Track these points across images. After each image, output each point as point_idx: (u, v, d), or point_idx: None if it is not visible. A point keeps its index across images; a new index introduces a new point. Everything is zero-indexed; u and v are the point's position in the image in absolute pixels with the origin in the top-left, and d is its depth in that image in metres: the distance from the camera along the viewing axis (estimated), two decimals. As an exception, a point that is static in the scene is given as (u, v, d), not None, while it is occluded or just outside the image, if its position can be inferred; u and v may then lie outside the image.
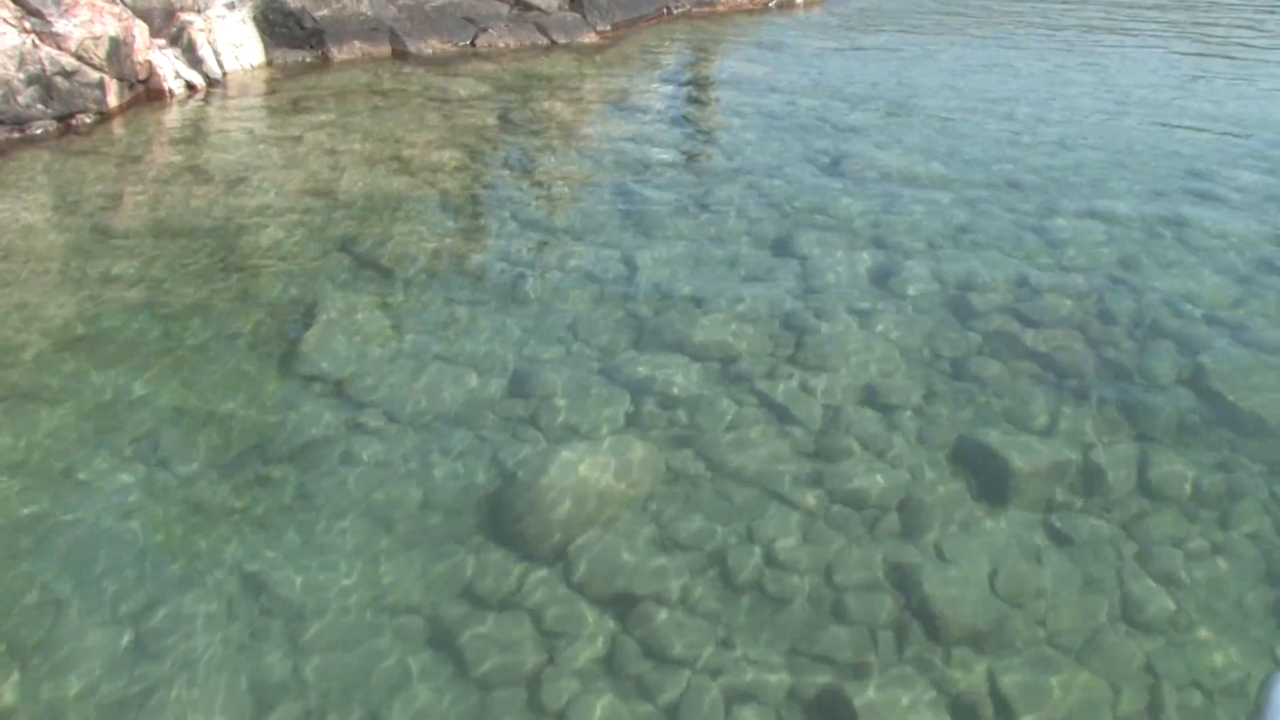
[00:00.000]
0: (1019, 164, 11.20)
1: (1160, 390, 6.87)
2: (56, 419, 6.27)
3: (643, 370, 6.82)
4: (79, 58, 12.51)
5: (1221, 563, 5.40)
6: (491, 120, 12.32)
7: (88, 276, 8.27)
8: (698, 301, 7.80)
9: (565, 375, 6.75)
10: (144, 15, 13.62)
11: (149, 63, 13.41)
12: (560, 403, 6.47)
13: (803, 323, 7.53)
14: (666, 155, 11.11)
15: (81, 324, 7.46)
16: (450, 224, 9.28)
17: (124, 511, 5.53)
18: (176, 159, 11.16)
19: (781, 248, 8.82)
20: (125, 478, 5.80)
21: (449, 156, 10.98)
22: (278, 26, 14.81)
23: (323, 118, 12.42)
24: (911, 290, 8.09)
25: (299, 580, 5.12)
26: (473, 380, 6.69)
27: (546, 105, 12.91)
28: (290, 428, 6.25)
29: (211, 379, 6.75)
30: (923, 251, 8.79)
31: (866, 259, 8.61)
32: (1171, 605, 5.12)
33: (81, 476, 5.79)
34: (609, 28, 17.31)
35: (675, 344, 7.17)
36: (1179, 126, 12.81)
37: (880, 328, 7.52)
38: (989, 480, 5.94)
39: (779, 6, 20.38)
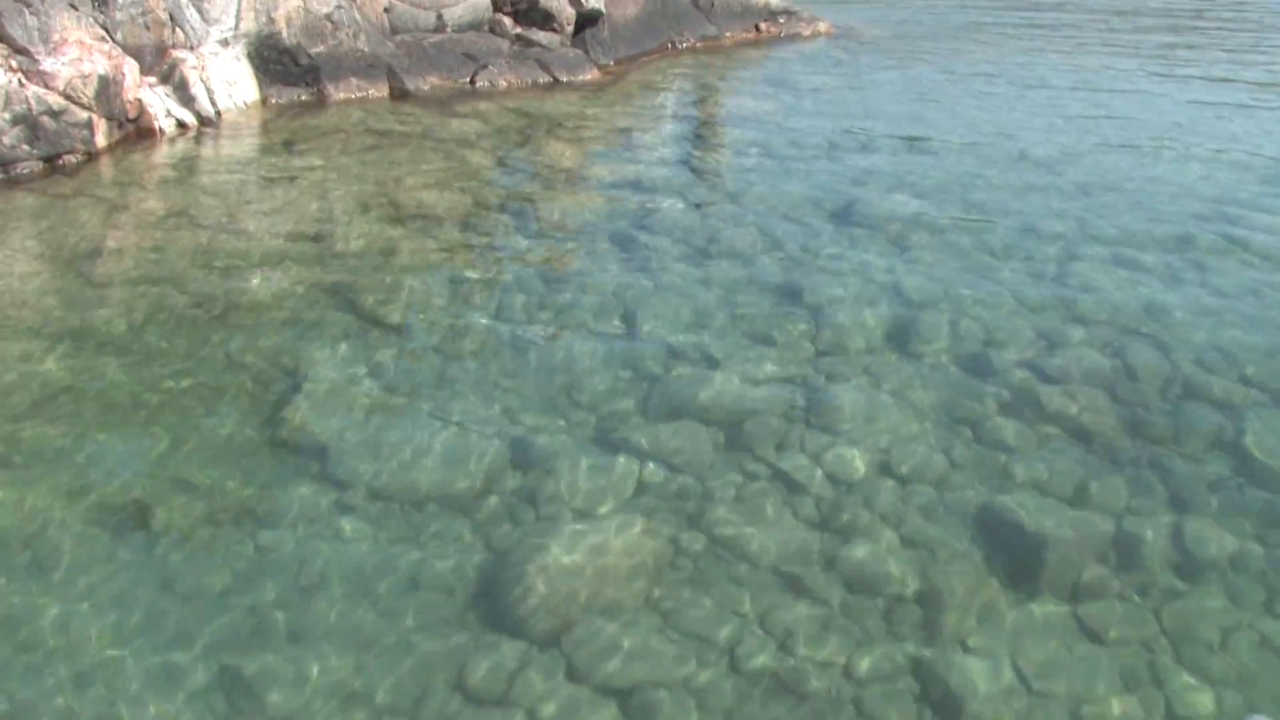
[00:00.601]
0: (1036, 206, 10.96)
1: (1195, 456, 6.58)
2: (26, 484, 5.98)
3: (646, 439, 6.53)
4: (67, 97, 12.29)
5: (1269, 653, 5.08)
6: (490, 162, 12.08)
7: (68, 328, 8.00)
8: (704, 361, 7.53)
9: (564, 444, 6.46)
10: (135, 52, 13.41)
11: (139, 101, 13.19)
12: (559, 475, 6.17)
13: (814, 383, 7.25)
14: (671, 200, 10.85)
15: (58, 380, 7.20)
16: (445, 273, 9.01)
17: (91, 592, 5.23)
18: (164, 202, 10.92)
19: (791, 299, 8.55)
20: (97, 550, 5.51)
21: (446, 201, 10.73)
22: (272, 64, 14.60)
23: (316, 159, 12.18)
24: (927, 346, 7.81)
25: (278, 670, 4.81)
26: (466, 450, 6.40)
27: (547, 146, 12.68)
28: (273, 500, 5.96)
29: (192, 444, 6.47)
30: (938, 303, 8.52)
31: (880, 312, 8.33)
32: (1211, 704, 4.81)
33: (49, 551, 5.49)
34: (612, 63, 17.11)
35: (680, 409, 6.88)
36: (1208, 163, 12.60)
37: (895, 388, 7.23)
38: (1015, 557, 5.65)
39: (785, 38, 20.17)
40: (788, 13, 20.98)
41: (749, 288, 8.74)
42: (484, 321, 8.08)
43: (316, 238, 9.74)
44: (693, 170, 12.00)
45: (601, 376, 7.28)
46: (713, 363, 7.49)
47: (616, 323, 8.07)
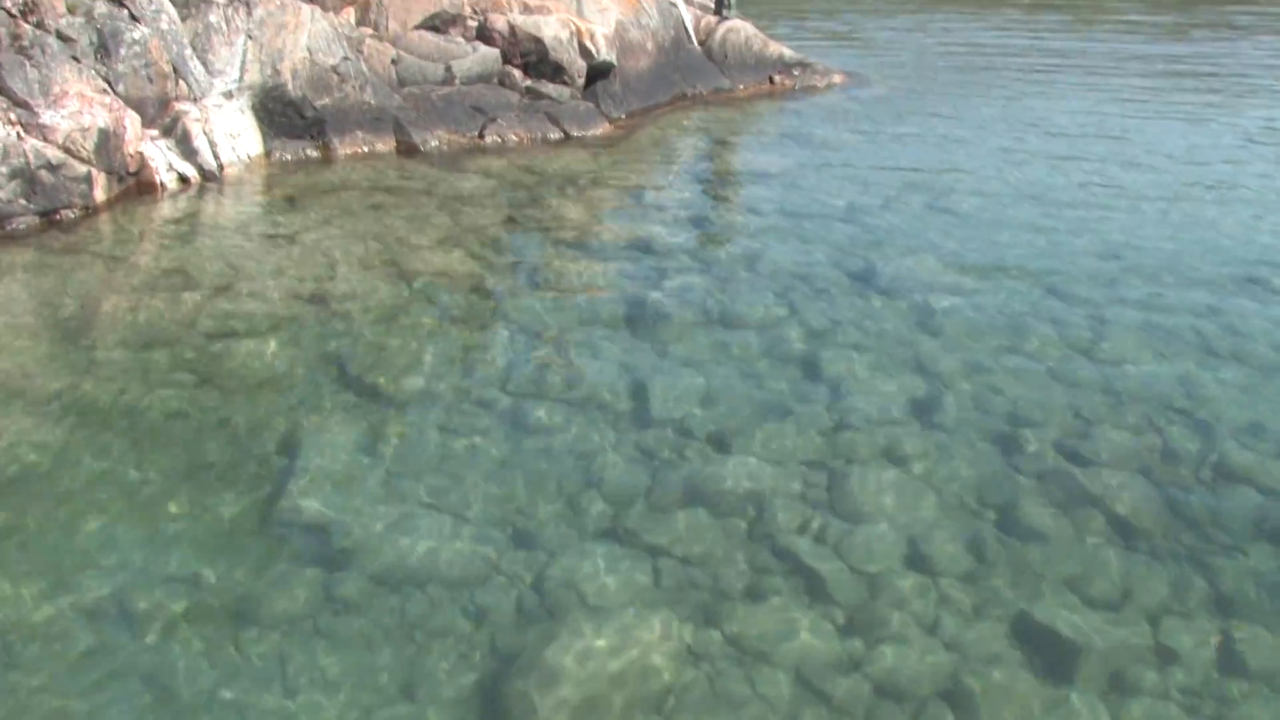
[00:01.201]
0: (1063, 266, 10.74)
1: (1239, 546, 6.28)
2: (3, 570, 5.72)
3: (659, 527, 6.26)
4: (66, 150, 12.14)
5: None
6: (498, 220, 11.88)
7: (55, 395, 7.79)
8: (719, 439, 7.26)
9: (571, 536, 6.19)
10: (137, 105, 13.27)
11: (140, 154, 13.04)
12: (566, 570, 5.89)
13: (834, 465, 6.97)
14: (684, 263, 10.62)
15: (39, 454, 6.97)
16: (450, 340, 8.79)
17: (65, 689, 4.95)
18: (163, 260, 10.73)
19: (809, 371, 8.30)
20: (80, 645, 5.24)
21: (452, 262, 10.52)
22: (277, 116, 14.45)
23: (320, 216, 12.00)
24: (953, 424, 7.55)
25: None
26: (468, 539, 6.13)
27: (557, 204, 12.47)
28: (264, 590, 5.69)
29: (181, 527, 6.22)
30: (962, 375, 8.27)
31: (902, 385, 8.08)
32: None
33: (20, 646, 5.21)
34: (623, 116, 16.95)
35: (694, 493, 6.62)
36: (1239, 215, 12.39)
37: (920, 470, 6.96)
38: (1050, 660, 5.36)
39: (799, 90, 20.02)
40: (801, 64, 20.83)
41: (765, 360, 8.49)
42: (489, 395, 7.83)
43: (317, 301, 9.51)
44: (706, 231, 11.77)
45: (611, 458, 7.01)
46: (727, 442, 7.23)
47: (627, 398, 7.81)
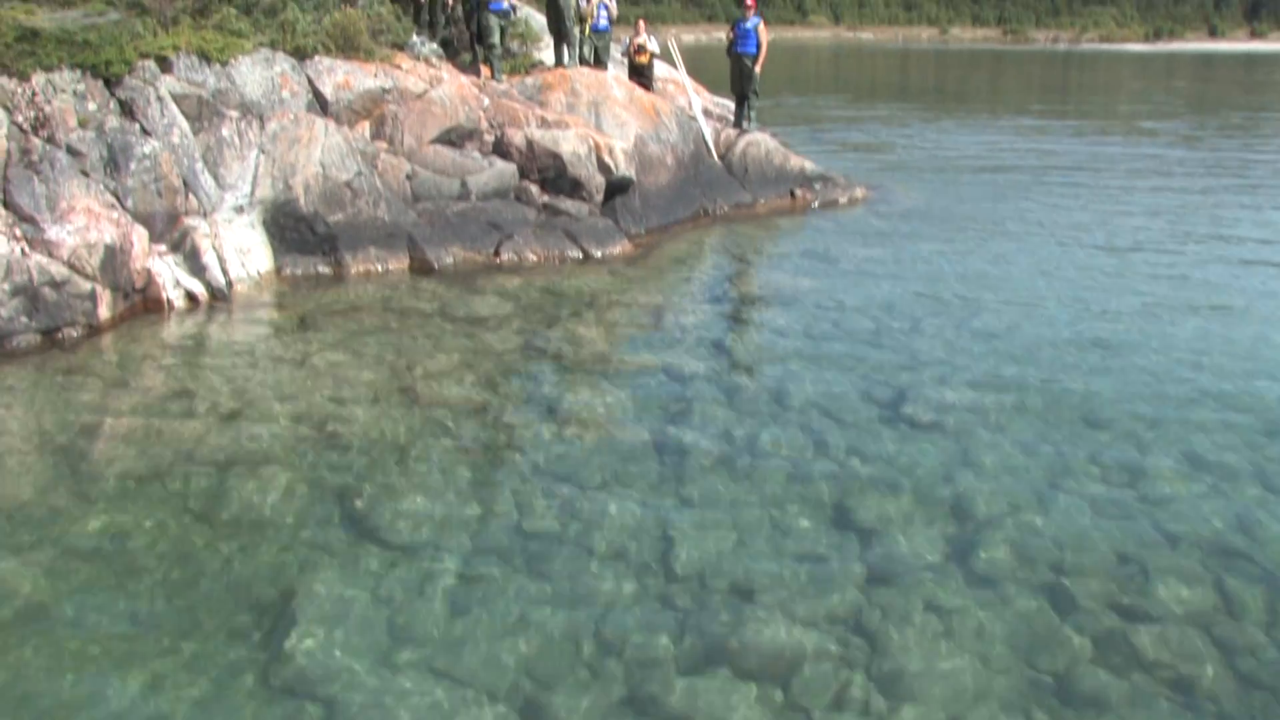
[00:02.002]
0: (1104, 392, 10.41)
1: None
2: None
3: (681, 697, 5.88)
4: (71, 266, 12.02)
5: None
6: (514, 345, 11.64)
7: (45, 530, 7.56)
8: (745, 593, 6.90)
9: (587, 704, 5.80)
10: (145, 219, 13.19)
11: (147, 271, 12.92)
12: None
13: (871, 625, 6.60)
14: (706, 391, 10.34)
15: (24, 596, 6.66)
16: (461, 479, 8.48)
17: None
18: (166, 384, 10.52)
19: (840, 516, 7.96)
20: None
21: (465, 390, 10.27)
22: (288, 232, 14.35)
23: (330, 338, 11.80)
24: (996, 574, 7.18)
25: None
26: (474, 710, 5.74)
27: (575, 329, 12.24)
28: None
29: (172, 679, 5.89)
30: (1004, 518, 7.91)
31: (940, 532, 7.73)
32: None
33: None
34: (643, 232, 16.83)
35: (719, 655, 6.25)
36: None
37: (964, 629, 6.57)
38: None
39: (821, 206, 19.92)
40: (823, 178, 20.78)
41: (793, 503, 8.15)
42: (501, 541, 7.51)
43: (325, 432, 9.26)
44: (730, 358, 11.50)
45: (631, 614, 6.65)
46: (754, 597, 6.87)
47: (648, 546, 7.47)
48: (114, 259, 12.36)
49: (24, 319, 11.58)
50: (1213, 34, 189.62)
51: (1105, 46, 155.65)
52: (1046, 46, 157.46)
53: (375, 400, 9.98)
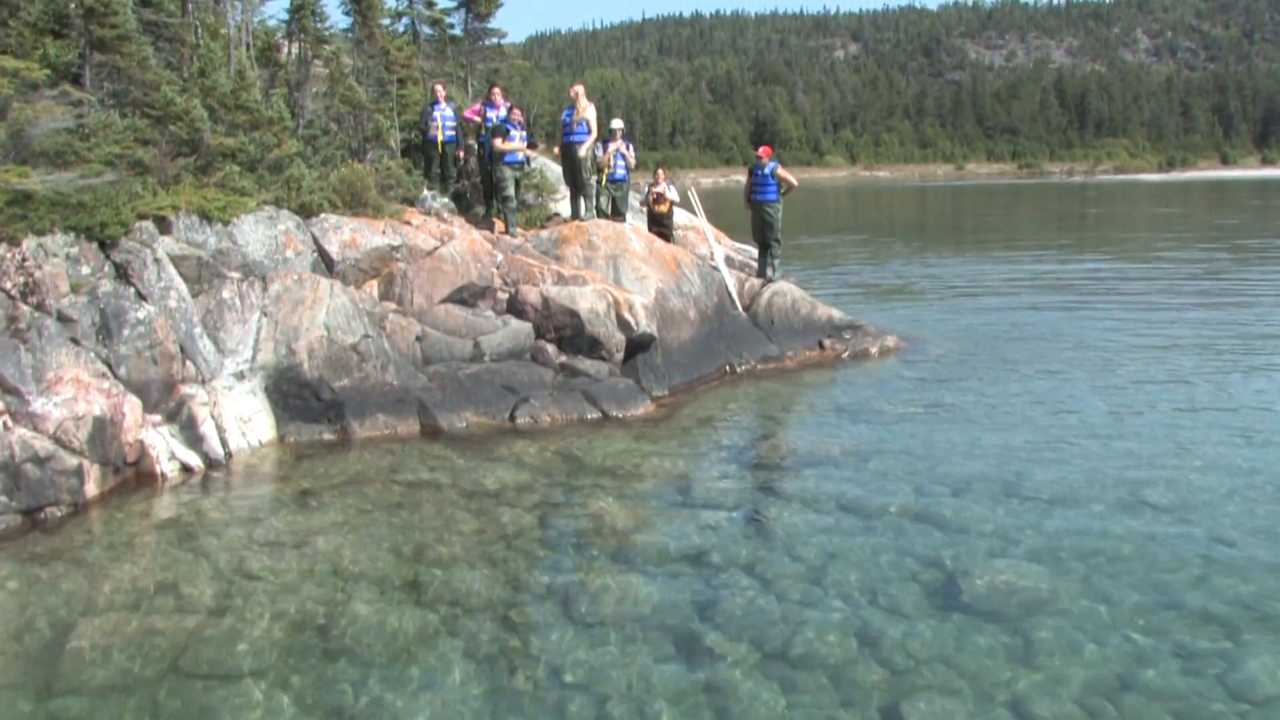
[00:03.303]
0: (1167, 560, 9.72)
1: None
2: None
3: None
4: (57, 441, 11.47)
5: None
6: (530, 524, 10.94)
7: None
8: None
9: None
10: (140, 388, 12.66)
11: (140, 443, 12.36)
12: None
13: None
14: (737, 577, 9.60)
15: None
16: (468, 689, 7.73)
17: None
18: (153, 573, 9.84)
19: (893, 724, 7.18)
20: None
21: (476, 580, 9.54)
22: (292, 398, 13.78)
23: (334, 517, 11.13)
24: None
25: None
26: None
27: (595, 503, 11.53)
28: None
29: None
30: (1076, 727, 7.12)
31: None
32: None
33: None
34: (666, 391, 16.21)
35: None
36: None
37: None
38: None
39: (851, 357, 19.33)
40: (853, 327, 20.24)
41: (840, 708, 7.38)
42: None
43: (322, 633, 8.55)
44: (762, 534, 10.76)
45: None
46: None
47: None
48: (104, 431, 11.79)
49: (4, 499, 10.99)
50: (1225, 161, 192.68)
51: (1120, 177, 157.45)
52: (1062, 179, 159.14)
53: (380, 594, 9.26)
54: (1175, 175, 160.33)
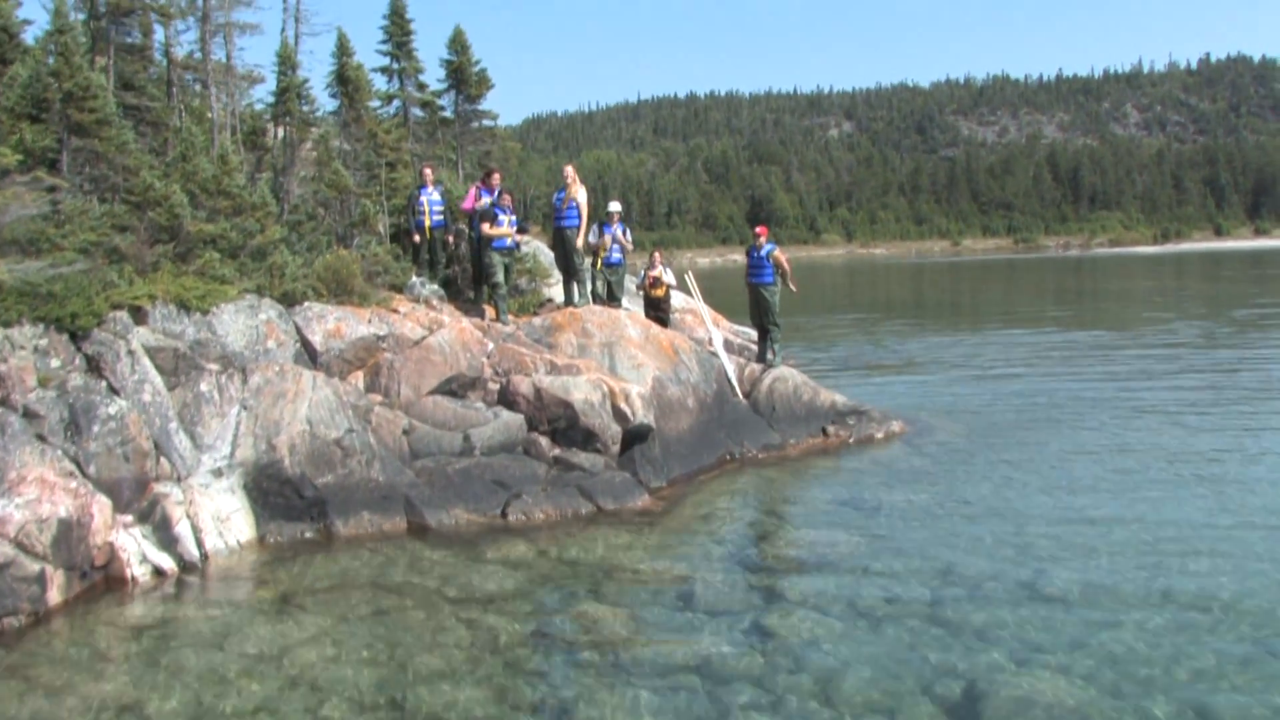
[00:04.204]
0: (1206, 665, 9.15)
1: None
2: None
3: None
4: (18, 545, 10.93)
5: None
6: (522, 634, 10.30)
7: None
8: None
9: None
10: (110, 487, 12.09)
11: (109, 545, 11.79)
12: None
13: None
14: (745, 692, 8.97)
15: None
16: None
17: None
18: (115, 693, 9.23)
19: None
20: None
21: (465, 699, 8.91)
22: (272, 495, 13.18)
23: (314, 626, 10.51)
24: None
25: None
26: None
27: (591, 609, 10.89)
28: None
29: None
30: None
31: None
32: None
33: None
34: (664, 484, 15.60)
35: None
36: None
37: None
38: None
39: (856, 443, 18.75)
40: (857, 412, 19.69)
41: None
42: None
43: (295, 763, 7.88)
44: (768, 642, 10.11)
45: None
46: None
47: None
48: (69, 534, 11.19)
49: (-43, 610, 10.36)
50: (1218, 233, 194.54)
51: (1116, 250, 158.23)
52: (1058, 253, 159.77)
53: (361, 713, 8.61)
54: (1171, 247, 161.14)
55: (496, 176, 18.94)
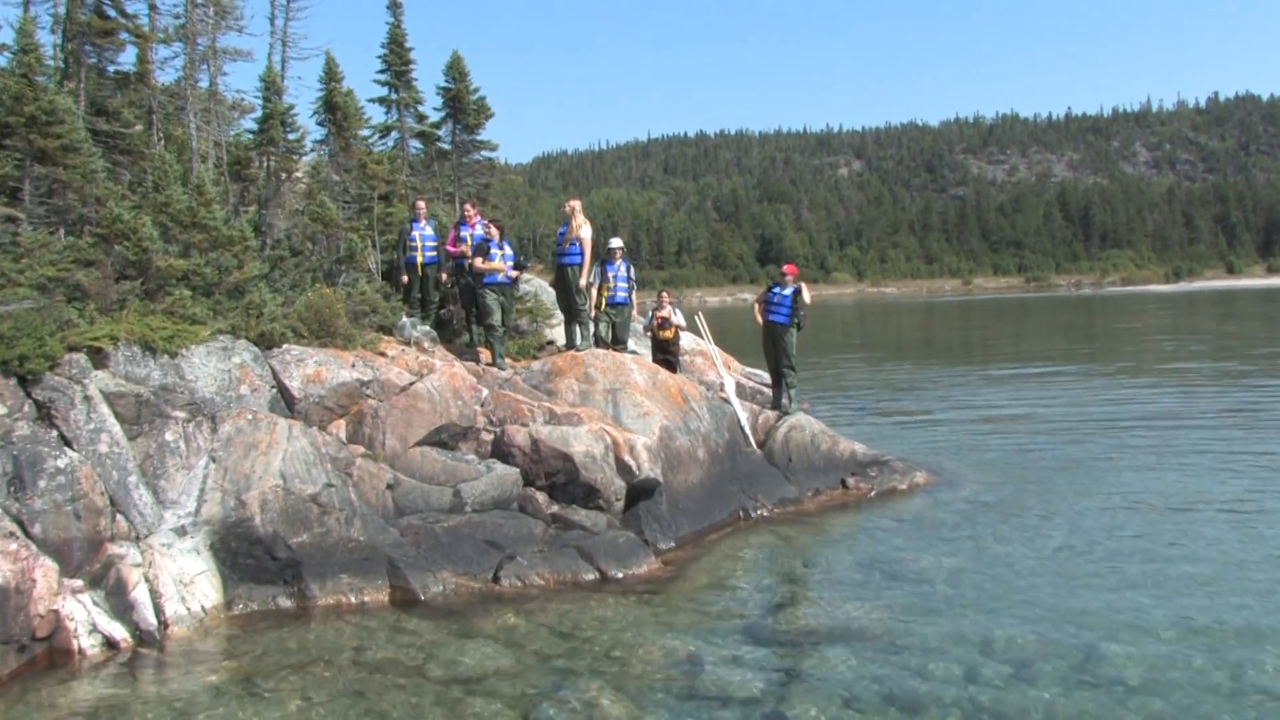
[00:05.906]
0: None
1: None
2: None
3: None
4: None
5: None
6: (514, 719, 9.11)
7: None
8: None
9: None
10: (58, 548, 10.95)
11: (54, 614, 10.63)
12: None
13: None
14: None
15: None
16: None
17: None
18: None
19: None
20: None
21: (443, 810, 7.69)
22: (241, 557, 12.00)
23: (283, 710, 9.37)
24: None
25: None
26: None
27: (591, 693, 9.68)
28: None
29: None
30: None
31: None
32: None
33: None
34: (672, 544, 14.38)
35: None
36: None
37: None
38: None
39: (878, 496, 17.55)
40: (878, 463, 18.51)
41: None
42: None
43: None
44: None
45: None
46: None
47: None
48: (6, 602, 10.08)
49: (-121, 691, 9.19)
50: (1230, 271, 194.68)
51: (1128, 289, 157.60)
52: (1071, 291, 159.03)
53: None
54: (1183, 286, 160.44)
55: (468, 207, 17.89)
